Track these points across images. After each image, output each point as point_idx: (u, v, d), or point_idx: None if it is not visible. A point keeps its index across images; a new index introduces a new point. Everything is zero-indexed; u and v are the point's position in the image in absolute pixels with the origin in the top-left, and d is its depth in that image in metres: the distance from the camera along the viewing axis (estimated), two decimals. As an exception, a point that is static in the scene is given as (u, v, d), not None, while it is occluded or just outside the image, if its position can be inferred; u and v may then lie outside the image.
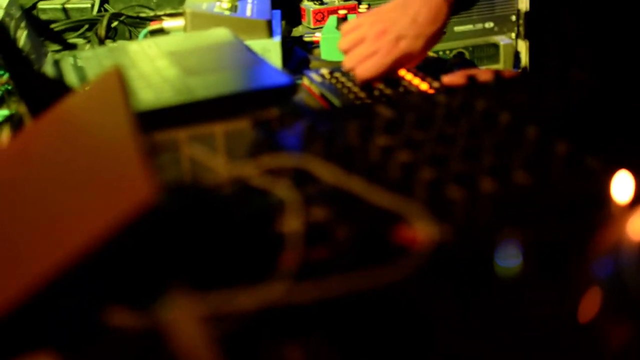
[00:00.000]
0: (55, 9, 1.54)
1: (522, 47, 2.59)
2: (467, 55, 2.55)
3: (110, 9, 1.52)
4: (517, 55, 2.60)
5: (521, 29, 2.58)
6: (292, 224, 0.58)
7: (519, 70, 1.09)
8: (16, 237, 0.51)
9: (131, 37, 1.49)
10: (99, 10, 1.52)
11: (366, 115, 0.80)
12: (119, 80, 0.67)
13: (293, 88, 0.89)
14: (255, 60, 0.97)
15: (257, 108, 0.89)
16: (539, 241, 0.52)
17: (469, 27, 2.54)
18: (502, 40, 2.55)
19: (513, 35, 2.59)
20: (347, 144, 0.72)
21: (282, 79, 0.89)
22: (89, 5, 1.53)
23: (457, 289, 0.51)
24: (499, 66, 2.57)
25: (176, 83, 0.91)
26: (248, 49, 1.03)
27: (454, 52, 2.54)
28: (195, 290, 0.48)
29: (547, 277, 0.50)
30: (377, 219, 0.59)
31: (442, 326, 0.48)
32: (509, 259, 0.51)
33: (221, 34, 1.12)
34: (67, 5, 1.54)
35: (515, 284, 0.50)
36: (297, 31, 1.65)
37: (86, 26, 1.48)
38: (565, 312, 0.48)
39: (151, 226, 0.45)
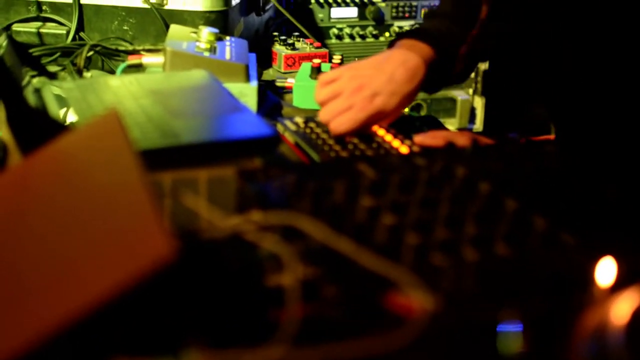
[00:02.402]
0: (30, 33, 1.54)
1: (479, 103, 2.67)
2: (424, 107, 2.61)
3: (86, 37, 1.53)
4: (472, 110, 2.67)
5: (479, 85, 2.66)
6: (286, 280, 0.60)
7: (492, 137, 1.13)
8: (23, 278, 0.51)
9: (103, 67, 1.50)
10: (74, 39, 1.52)
11: (349, 173, 0.82)
12: (119, 122, 0.68)
13: (277, 140, 0.92)
14: (239, 108, 0.99)
15: (239, 156, 0.91)
16: (525, 318, 0.55)
17: (429, 80, 2.60)
18: (459, 95, 2.63)
19: (470, 91, 2.66)
20: (334, 202, 0.74)
21: (267, 130, 0.91)
22: (64, 32, 1.54)
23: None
24: (455, 120, 2.64)
25: (161, 125, 0.92)
26: (230, 95, 1.05)
27: (412, 103, 2.59)
28: (202, 345, 0.50)
29: (532, 355, 0.53)
30: (366, 283, 0.61)
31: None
32: (503, 336, 0.53)
33: (201, 76, 1.14)
34: (42, 30, 1.54)
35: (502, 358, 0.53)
36: (267, 74, 1.68)
37: (59, 53, 1.49)
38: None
39: (166, 281, 0.47)
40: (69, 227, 0.55)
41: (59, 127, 0.94)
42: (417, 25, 2.28)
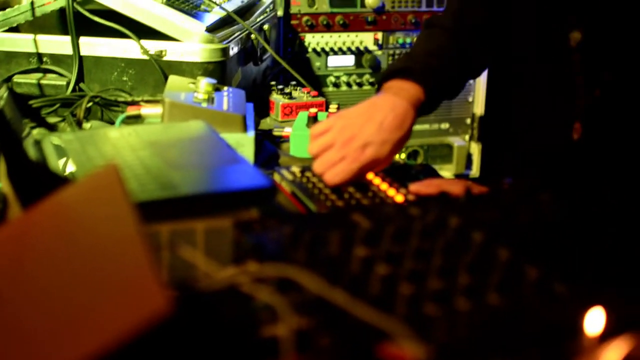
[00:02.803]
0: (31, 84, 1.57)
1: (475, 149, 2.69)
2: (421, 153, 2.64)
3: (86, 88, 1.56)
4: (469, 156, 2.70)
5: (475, 132, 2.68)
6: (280, 330, 0.61)
7: (487, 186, 1.14)
8: (22, 330, 0.52)
9: (102, 117, 1.52)
10: (74, 90, 1.54)
11: (345, 223, 0.84)
12: (118, 176, 0.70)
13: (273, 191, 0.93)
14: (236, 159, 1.01)
15: (236, 207, 0.92)
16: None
17: (426, 126, 2.64)
18: (456, 141, 2.66)
19: (467, 137, 2.69)
20: (329, 253, 0.75)
21: (264, 181, 0.93)
22: (64, 83, 1.56)
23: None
24: (452, 166, 2.66)
25: (159, 176, 0.93)
26: (228, 146, 1.07)
27: (409, 149, 2.62)
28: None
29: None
30: (360, 333, 0.62)
31: None
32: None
33: (199, 127, 1.16)
34: (43, 81, 1.57)
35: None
36: (264, 123, 1.71)
37: (59, 104, 1.51)
38: None
39: (162, 332, 0.48)
40: (67, 281, 0.56)
41: (58, 180, 0.95)
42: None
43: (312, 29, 2.45)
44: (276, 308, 0.63)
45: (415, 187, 1.15)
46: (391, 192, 1.15)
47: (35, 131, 1.36)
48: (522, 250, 0.77)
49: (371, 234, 0.79)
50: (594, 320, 0.61)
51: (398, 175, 1.24)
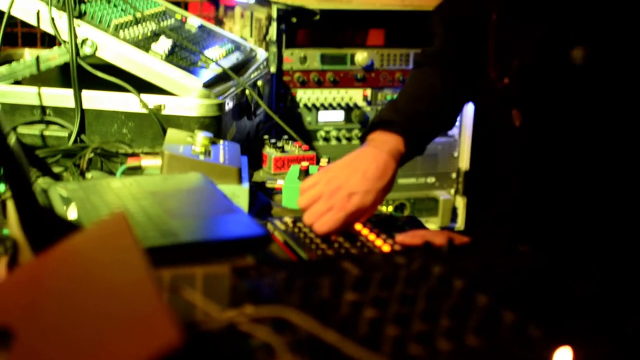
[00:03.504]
0: (34, 135, 1.63)
1: (460, 203, 2.77)
2: (408, 206, 2.71)
3: (87, 139, 1.62)
4: (454, 210, 2.77)
5: (460, 186, 2.76)
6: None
7: (469, 237, 1.20)
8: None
9: (102, 167, 1.58)
10: (75, 141, 1.61)
11: (335, 270, 0.90)
12: (126, 223, 0.76)
13: (268, 239, 0.99)
14: (232, 209, 1.07)
15: (233, 254, 0.98)
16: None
17: (412, 180, 2.71)
18: (441, 195, 2.73)
19: (452, 191, 2.76)
20: (321, 297, 0.81)
21: (259, 230, 0.99)
22: (66, 135, 1.63)
23: None
24: (438, 219, 2.73)
25: (160, 225, 0.99)
26: (224, 197, 1.13)
27: (396, 202, 2.69)
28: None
29: None
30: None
31: None
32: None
33: (197, 178, 1.23)
34: (45, 133, 1.63)
35: None
36: (258, 175, 1.77)
37: (60, 155, 1.57)
38: None
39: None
40: (83, 318, 0.62)
41: (66, 226, 1.01)
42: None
43: (304, 85, 2.53)
44: (273, 346, 0.69)
45: (401, 237, 1.22)
46: (378, 242, 1.21)
47: (40, 180, 1.41)
48: (500, 296, 0.83)
49: (360, 281, 0.85)
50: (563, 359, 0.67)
51: (385, 226, 1.30)
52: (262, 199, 1.50)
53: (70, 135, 1.62)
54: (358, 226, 1.28)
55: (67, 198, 1.11)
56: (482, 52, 1.39)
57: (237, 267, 0.88)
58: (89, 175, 1.49)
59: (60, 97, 1.66)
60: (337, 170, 1.30)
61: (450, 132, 2.70)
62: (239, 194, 1.33)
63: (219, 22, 3.00)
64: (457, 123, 2.70)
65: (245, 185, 1.36)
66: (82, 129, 1.63)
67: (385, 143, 1.34)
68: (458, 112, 1.54)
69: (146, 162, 1.40)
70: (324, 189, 1.26)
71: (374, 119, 1.43)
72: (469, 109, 2.71)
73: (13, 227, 0.96)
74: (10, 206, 0.96)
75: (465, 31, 1.44)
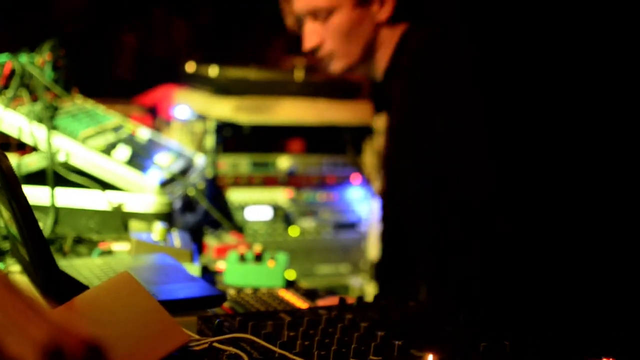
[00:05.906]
0: (13, 227, 1.94)
1: (370, 290, 3.14)
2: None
3: (59, 230, 1.94)
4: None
5: (369, 273, 3.14)
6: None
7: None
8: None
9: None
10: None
11: (274, 317, 1.25)
12: (133, 278, 1.10)
13: (224, 297, 1.34)
14: (194, 278, 1.42)
15: (199, 309, 1.33)
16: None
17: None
18: (352, 281, 3.10)
19: (361, 279, 3.14)
20: (266, 331, 1.16)
21: (216, 291, 1.34)
22: (42, 226, 1.94)
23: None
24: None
25: (142, 288, 1.33)
26: (186, 270, 1.48)
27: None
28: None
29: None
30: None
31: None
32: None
33: (163, 257, 1.57)
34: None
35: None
36: (201, 259, 2.11)
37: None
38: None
39: None
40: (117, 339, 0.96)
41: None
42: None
43: (236, 186, 2.93)
44: (241, 355, 1.04)
45: (321, 301, 1.58)
46: (301, 304, 1.57)
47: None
48: (392, 331, 1.19)
49: (292, 323, 1.21)
50: None
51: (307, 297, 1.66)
52: (208, 277, 1.85)
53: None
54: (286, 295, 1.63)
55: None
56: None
57: (202, 316, 1.24)
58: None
59: (35, 195, 1.98)
60: None
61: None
62: (193, 271, 1.67)
63: (157, 131, 3.38)
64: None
65: (197, 264, 1.71)
66: (55, 221, 1.95)
67: None
68: None
69: (116, 247, 1.74)
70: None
71: None
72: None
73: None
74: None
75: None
